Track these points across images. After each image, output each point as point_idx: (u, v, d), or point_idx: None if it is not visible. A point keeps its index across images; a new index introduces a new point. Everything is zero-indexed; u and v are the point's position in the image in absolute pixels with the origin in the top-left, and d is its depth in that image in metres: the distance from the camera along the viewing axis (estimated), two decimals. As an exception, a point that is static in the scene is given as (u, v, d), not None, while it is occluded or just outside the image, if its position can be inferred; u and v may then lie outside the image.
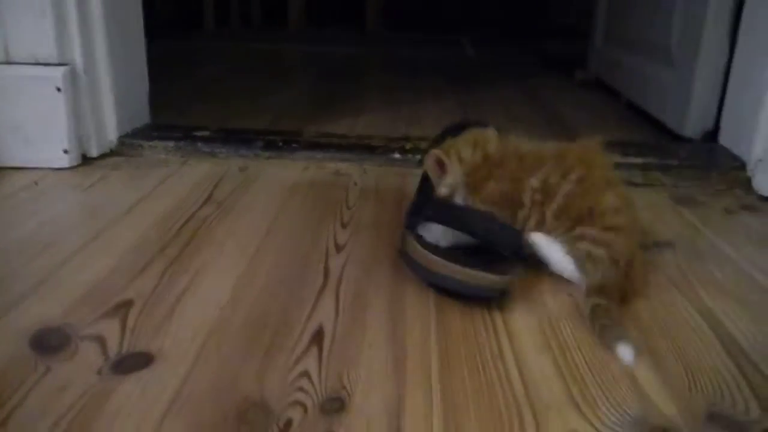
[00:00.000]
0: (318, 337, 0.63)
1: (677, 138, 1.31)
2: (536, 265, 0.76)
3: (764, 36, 1.06)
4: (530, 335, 0.64)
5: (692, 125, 1.28)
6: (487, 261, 0.68)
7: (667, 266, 0.80)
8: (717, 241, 0.89)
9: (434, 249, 0.71)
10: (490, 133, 0.80)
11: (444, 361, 0.60)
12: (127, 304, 0.68)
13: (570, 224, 0.73)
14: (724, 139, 1.20)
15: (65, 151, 1.07)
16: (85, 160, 1.12)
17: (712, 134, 1.25)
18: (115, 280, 0.73)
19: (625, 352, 0.61)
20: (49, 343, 0.61)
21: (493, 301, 0.69)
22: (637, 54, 1.62)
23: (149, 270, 0.75)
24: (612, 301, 0.67)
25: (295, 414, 0.52)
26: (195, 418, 0.51)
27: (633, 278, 0.72)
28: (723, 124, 1.21)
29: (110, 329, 0.63)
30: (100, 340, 0.61)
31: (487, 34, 3.45)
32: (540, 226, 0.75)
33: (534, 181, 0.75)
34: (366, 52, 2.71)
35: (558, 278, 0.75)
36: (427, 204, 0.78)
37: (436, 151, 0.78)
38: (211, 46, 2.75)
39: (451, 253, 0.70)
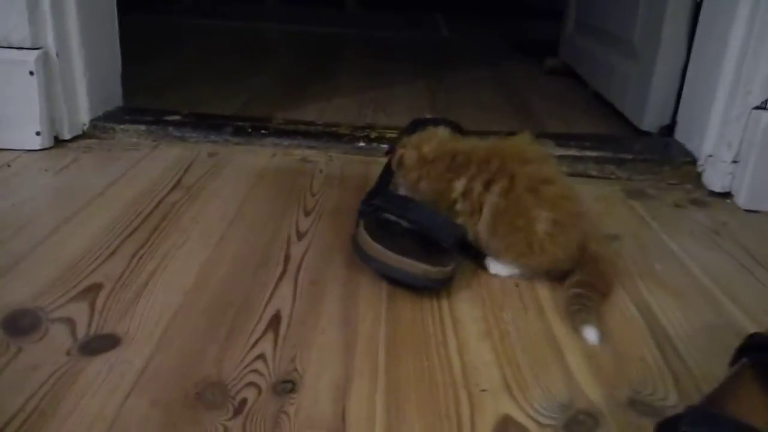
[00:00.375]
0: (275, 321, 0.67)
1: (638, 131, 1.36)
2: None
3: (719, 35, 1.09)
4: (474, 323, 0.69)
5: (650, 119, 1.32)
6: (431, 252, 0.72)
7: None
8: (662, 235, 0.93)
9: (382, 235, 0.74)
10: (440, 132, 0.83)
11: (391, 347, 0.64)
12: (97, 287, 0.71)
13: (506, 246, 0.76)
14: (680, 134, 1.24)
15: (38, 134, 1.09)
16: (58, 142, 1.14)
17: (669, 129, 1.29)
18: (86, 263, 0.76)
19: (590, 334, 0.66)
20: (21, 325, 0.64)
21: (440, 290, 0.73)
22: (604, 45, 1.64)
23: (118, 254, 0.79)
24: (595, 292, 0.72)
25: (250, 394, 0.56)
26: (157, 396, 0.56)
27: (604, 272, 0.76)
28: (679, 119, 1.26)
29: (79, 312, 0.67)
30: (70, 323, 0.65)
31: (466, 15, 3.46)
32: (476, 240, 0.79)
33: (458, 185, 0.78)
34: (343, 33, 2.72)
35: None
36: (379, 193, 0.83)
37: (401, 151, 0.82)
38: (187, 23, 2.73)
39: (398, 242, 0.73)
